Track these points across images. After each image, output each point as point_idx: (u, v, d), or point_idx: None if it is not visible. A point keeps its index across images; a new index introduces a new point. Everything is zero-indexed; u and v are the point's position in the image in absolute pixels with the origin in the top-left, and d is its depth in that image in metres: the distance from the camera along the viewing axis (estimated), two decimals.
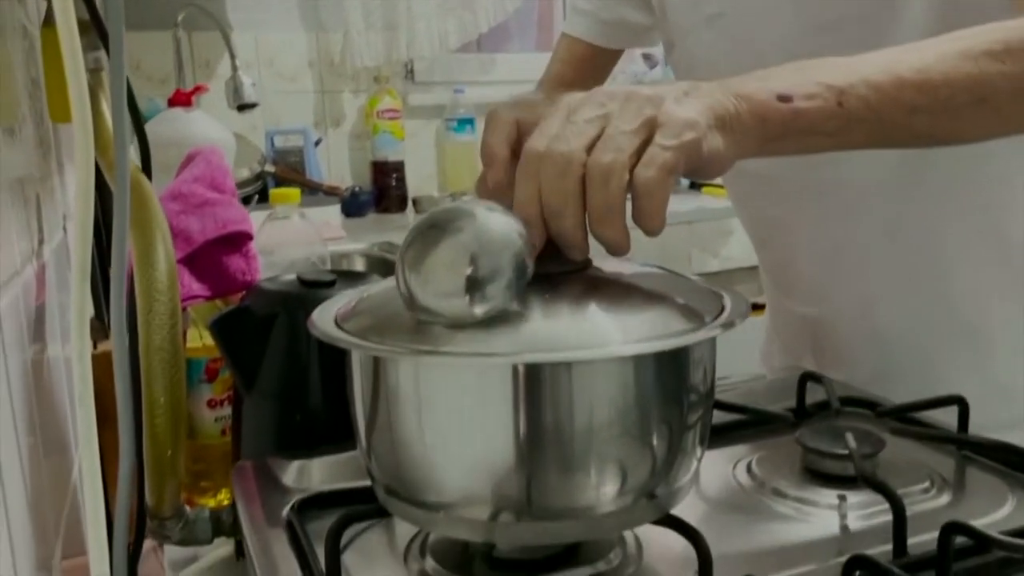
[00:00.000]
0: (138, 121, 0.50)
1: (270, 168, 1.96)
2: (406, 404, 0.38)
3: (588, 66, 0.89)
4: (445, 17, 2.22)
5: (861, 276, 0.75)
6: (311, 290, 0.67)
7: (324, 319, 0.42)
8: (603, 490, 0.38)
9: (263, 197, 1.97)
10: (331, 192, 2.03)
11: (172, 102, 0.99)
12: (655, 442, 0.39)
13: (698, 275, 2.14)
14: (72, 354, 0.33)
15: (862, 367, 0.75)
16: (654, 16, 0.84)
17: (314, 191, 2.02)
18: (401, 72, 2.26)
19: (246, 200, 1.87)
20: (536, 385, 0.36)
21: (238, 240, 0.76)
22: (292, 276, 0.70)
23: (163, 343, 0.42)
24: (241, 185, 1.91)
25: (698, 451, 0.43)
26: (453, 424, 0.38)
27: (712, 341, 0.41)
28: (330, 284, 0.68)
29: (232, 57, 1.49)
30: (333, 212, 1.93)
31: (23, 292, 0.43)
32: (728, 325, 0.38)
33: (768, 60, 0.72)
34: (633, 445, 0.38)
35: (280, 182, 2.00)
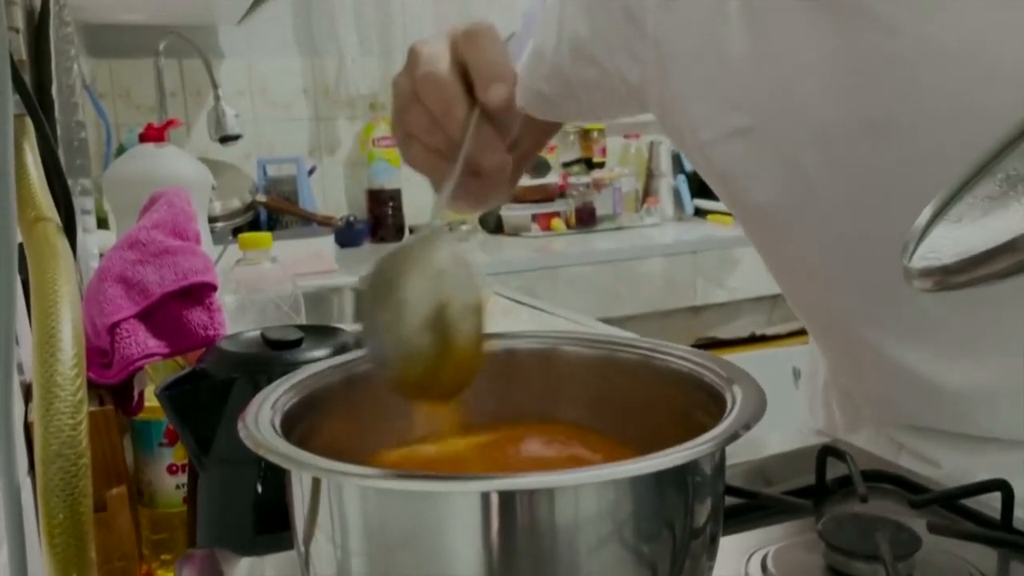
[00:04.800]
0: (59, 170, 0.44)
1: (261, 198, 1.91)
2: (354, 534, 0.32)
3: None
4: None
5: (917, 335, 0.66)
6: (274, 351, 0.61)
7: (262, 417, 0.36)
8: None
9: (255, 226, 1.92)
10: (325, 223, 1.97)
11: (143, 138, 0.94)
12: (652, 570, 0.32)
13: (704, 306, 2.03)
14: None
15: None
16: (641, 111, 0.72)
17: (307, 221, 1.97)
18: None
19: (236, 231, 1.82)
20: (511, 515, 0.30)
21: (200, 292, 0.69)
22: (256, 333, 0.64)
23: (62, 449, 0.35)
24: (231, 216, 1.86)
25: (705, 570, 0.36)
26: (411, 559, 0.31)
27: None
28: (296, 344, 0.62)
29: (214, 87, 1.44)
30: (327, 243, 1.88)
31: None
32: (733, 436, 0.31)
33: (805, 165, 0.61)
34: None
35: (272, 212, 1.95)
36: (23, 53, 0.54)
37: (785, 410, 0.92)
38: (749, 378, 0.37)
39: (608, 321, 1.50)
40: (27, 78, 0.56)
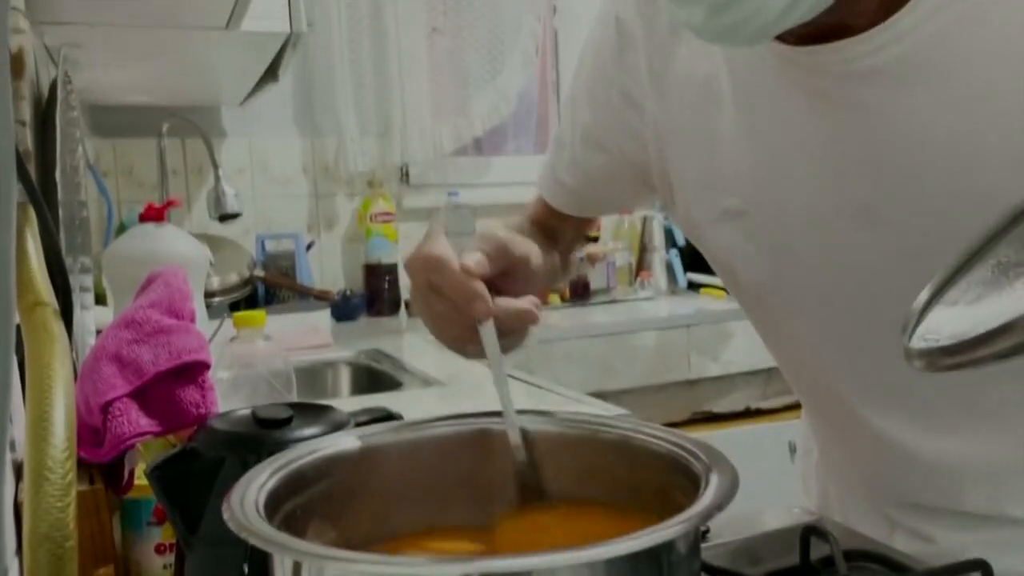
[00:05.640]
0: (58, 256, 0.46)
1: (259, 273, 1.93)
2: None
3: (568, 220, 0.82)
4: (439, 122, 2.23)
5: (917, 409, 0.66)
6: (264, 430, 0.61)
7: (247, 498, 0.37)
8: None
9: (252, 301, 1.93)
10: (322, 297, 1.99)
11: (143, 217, 0.97)
12: None
13: (698, 380, 2.02)
14: None
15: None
16: (653, 194, 0.75)
17: (304, 296, 1.99)
18: (396, 176, 2.26)
19: (233, 306, 1.84)
20: None
21: (193, 370, 0.70)
22: (247, 411, 0.65)
23: (50, 532, 0.36)
24: (229, 291, 1.87)
25: None
26: None
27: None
28: (286, 422, 0.62)
29: (215, 167, 1.47)
30: (323, 317, 1.89)
31: None
32: (704, 518, 0.32)
33: (796, 248, 0.62)
34: None
35: (269, 287, 1.97)
36: (29, 144, 0.57)
37: (781, 484, 0.92)
38: (723, 460, 0.38)
39: (603, 395, 1.50)
40: (32, 167, 0.58)
